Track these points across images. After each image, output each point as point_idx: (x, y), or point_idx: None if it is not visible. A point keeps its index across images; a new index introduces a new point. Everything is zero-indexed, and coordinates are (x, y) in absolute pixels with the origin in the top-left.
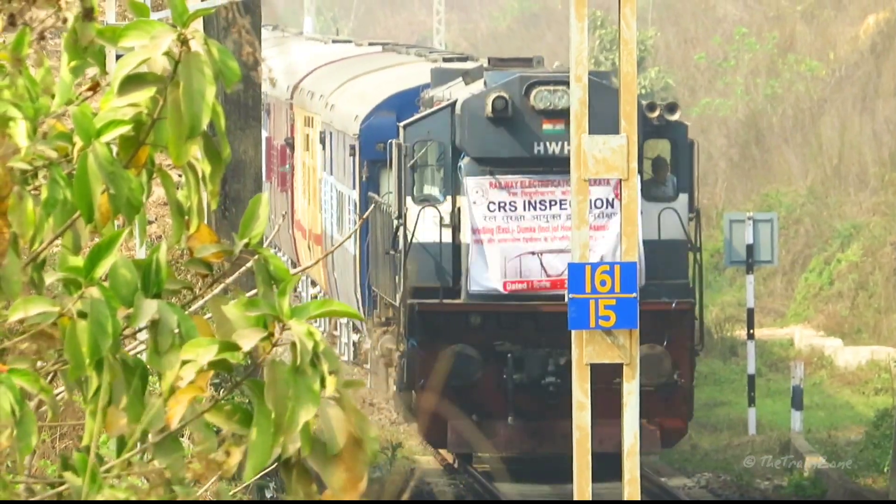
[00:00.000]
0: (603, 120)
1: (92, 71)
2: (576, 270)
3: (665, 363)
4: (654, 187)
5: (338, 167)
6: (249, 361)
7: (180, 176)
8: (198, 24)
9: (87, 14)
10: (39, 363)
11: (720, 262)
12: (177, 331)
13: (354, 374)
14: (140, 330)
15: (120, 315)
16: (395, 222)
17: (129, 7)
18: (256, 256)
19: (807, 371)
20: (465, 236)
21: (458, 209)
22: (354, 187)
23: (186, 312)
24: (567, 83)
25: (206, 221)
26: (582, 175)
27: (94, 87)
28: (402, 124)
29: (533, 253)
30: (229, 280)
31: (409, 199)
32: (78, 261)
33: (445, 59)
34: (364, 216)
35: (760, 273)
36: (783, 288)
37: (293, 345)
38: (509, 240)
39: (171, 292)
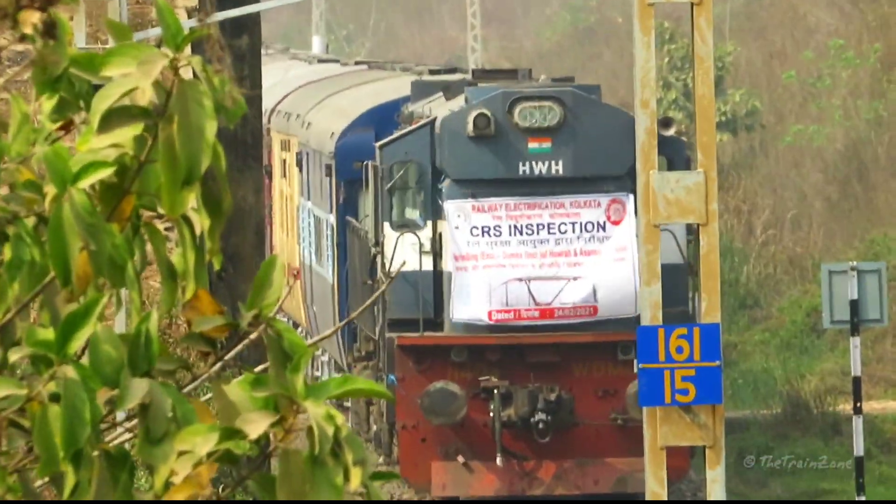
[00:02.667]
0: (591, 138)
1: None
2: (647, 335)
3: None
4: None
5: (315, 190)
6: (257, 451)
7: (168, 230)
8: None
9: (49, 31)
10: (5, 458)
11: (818, 323)
12: (171, 415)
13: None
14: (128, 418)
15: (100, 398)
16: (373, 250)
17: (107, 28)
18: (267, 330)
19: None
20: (448, 263)
21: (440, 235)
22: (331, 211)
23: (182, 392)
24: (554, 98)
25: (206, 285)
26: (652, 220)
27: (67, 126)
28: (378, 144)
29: (520, 280)
30: (230, 354)
31: (386, 224)
32: (48, 333)
33: (432, 72)
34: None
35: (868, 335)
36: None
37: (310, 430)
38: (494, 266)
39: (164, 373)
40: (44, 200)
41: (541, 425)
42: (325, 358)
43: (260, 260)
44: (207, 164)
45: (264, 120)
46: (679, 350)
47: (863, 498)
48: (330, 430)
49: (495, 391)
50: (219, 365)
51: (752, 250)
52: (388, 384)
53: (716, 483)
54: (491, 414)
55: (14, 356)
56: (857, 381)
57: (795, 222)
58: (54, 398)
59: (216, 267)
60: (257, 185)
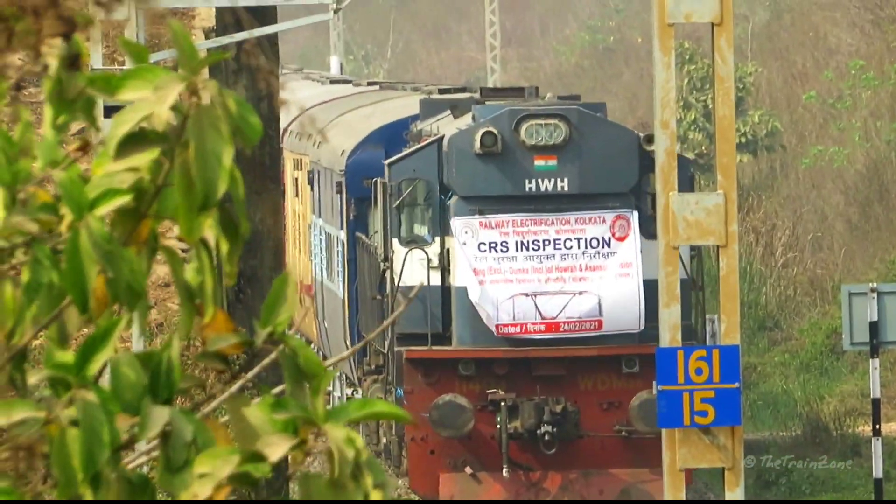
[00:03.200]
0: (596, 156)
1: (78, 125)
2: (666, 357)
3: None
4: (653, 224)
5: (326, 208)
6: (274, 474)
7: (185, 251)
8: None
9: (73, 62)
10: (24, 479)
11: (838, 344)
12: (191, 441)
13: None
14: (149, 443)
15: (123, 424)
16: (382, 265)
17: (123, 49)
18: (282, 347)
19: None
20: (455, 279)
21: (448, 250)
22: (342, 227)
23: (199, 415)
24: (560, 116)
25: (222, 307)
26: (671, 241)
27: (84, 147)
28: (386, 162)
29: (526, 294)
30: (249, 375)
31: (395, 240)
32: (67, 356)
33: (441, 91)
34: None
35: (887, 356)
36: None
37: (330, 454)
38: (501, 281)
39: (179, 392)
40: (60, 222)
41: (547, 437)
42: (337, 373)
43: None
44: (224, 189)
45: None
46: (698, 372)
47: None
48: (350, 454)
49: (502, 404)
50: (238, 385)
51: (772, 272)
52: (396, 397)
53: None
54: (498, 426)
55: (32, 378)
56: (876, 403)
57: (816, 244)
58: (73, 422)
59: (231, 284)
60: (275, 206)
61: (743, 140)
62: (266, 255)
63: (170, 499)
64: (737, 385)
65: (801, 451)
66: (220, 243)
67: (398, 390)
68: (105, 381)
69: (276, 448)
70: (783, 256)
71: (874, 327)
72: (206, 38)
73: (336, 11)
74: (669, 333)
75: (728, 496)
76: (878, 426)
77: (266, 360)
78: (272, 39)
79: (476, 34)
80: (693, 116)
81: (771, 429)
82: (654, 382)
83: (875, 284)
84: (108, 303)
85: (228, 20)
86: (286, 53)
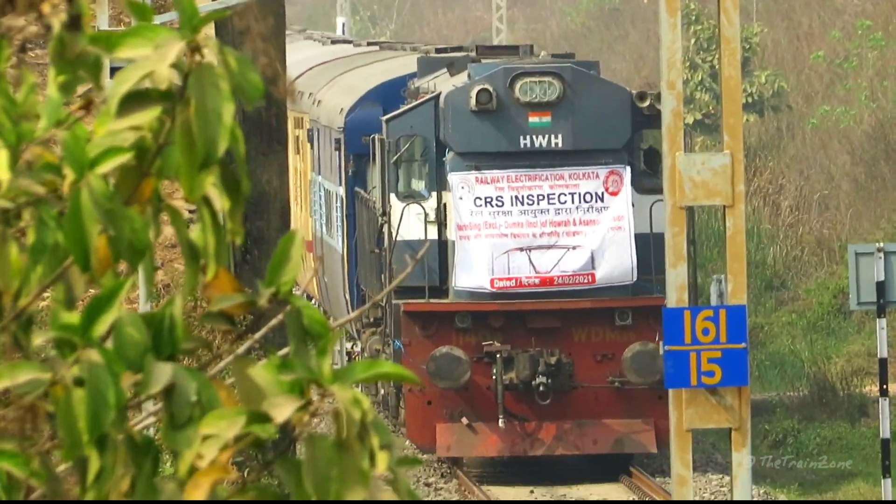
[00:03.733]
0: (589, 113)
1: (86, 86)
2: (672, 317)
3: (658, 360)
4: (646, 179)
5: (325, 165)
6: (281, 435)
7: (192, 212)
8: (209, 30)
9: (74, 22)
10: (30, 441)
11: (845, 304)
12: (195, 400)
13: None
14: (146, 399)
15: (125, 382)
16: (380, 220)
17: (127, 9)
18: (288, 307)
19: None
20: (452, 233)
21: (444, 205)
22: (341, 183)
23: (199, 373)
24: (553, 73)
25: (228, 267)
26: (678, 202)
27: (87, 106)
28: (384, 119)
29: (521, 249)
30: (256, 336)
31: (392, 195)
32: (72, 317)
33: (438, 50)
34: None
35: (895, 316)
36: None
37: (336, 415)
38: (496, 235)
39: (184, 351)
40: (63, 182)
41: (541, 388)
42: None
43: None
44: (225, 146)
45: None
46: (705, 332)
47: (888, 480)
48: (357, 415)
49: (498, 356)
50: (244, 347)
51: (779, 232)
52: (394, 349)
53: (742, 466)
54: (493, 377)
55: (38, 340)
56: (883, 363)
57: (822, 204)
58: (78, 382)
59: (238, 242)
60: (282, 168)
61: (749, 100)
62: (273, 217)
63: (173, 458)
64: (744, 345)
65: (808, 412)
66: (222, 201)
67: (396, 342)
68: (110, 344)
69: (282, 409)
70: (790, 216)
71: (881, 287)
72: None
73: None
74: (676, 294)
75: (735, 457)
76: (885, 386)
77: (273, 322)
78: (279, 0)
79: None
80: (699, 77)
81: (778, 389)
82: (661, 342)
83: (882, 244)
84: (111, 262)
85: None
86: (293, 15)
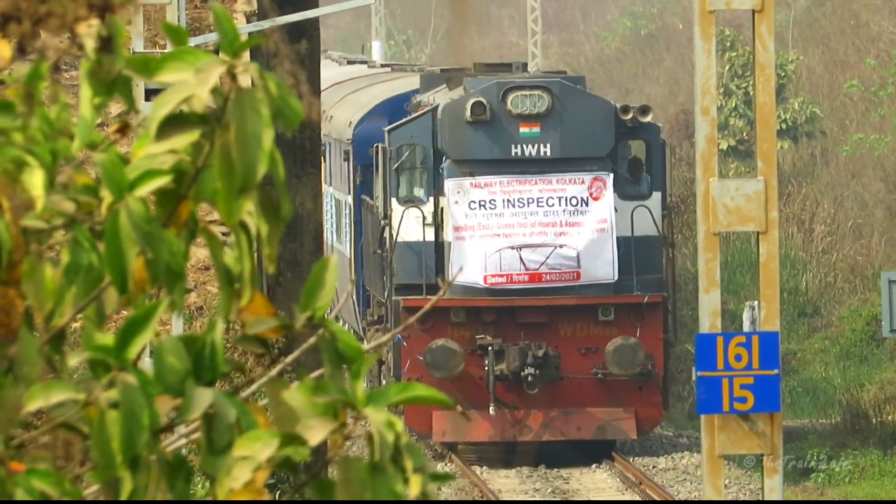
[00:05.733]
0: (576, 123)
1: (117, 107)
2: (705, 343)
3: (639, 353)
4: (628, 186)
5: (336, 176)
6: (313, 458)
7: (226, 235)
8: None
9: (106, 44)
10: (62, 461)
11: (878, 332)
12: (234, 424)
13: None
14: (179, 422)
15: (164, 406)
16: (382, 222)
17: (164, 32)
18: (322, 331)
19: None
20: (448, 234)
21: (441, 209)
22: (349, 192)
23: (238, 399)
24: (543, 87)
25: (261, 290)
26: (711, 228)
27: (123, 129)
28: (386, 129)
29: (512, 247)
30: (289, 359)
31: (394, 199)
32: (107, 338)
33: (443, 70)
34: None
35: None
36: None
37: (370, 437)
38: (489, 236)
39: (220, 375)
40: (100, 205)
41: (530, 378)
42: (346, 327)
43: None
44: (264, 171)
45: None
46: (738, 358)
47: None
48: (390, 438)
49: (490, 348)
50: (277, 369)
51: (812, 258)
52: (394, 342)
53: (774, 492)
54: (486, 368)
55: (73, 361)
56: None
57: (856, 231)
58: (112, 404)
59: (270, 272)
60: (315, 190)
61: (783, 127)
62: (306, 239)
63: (209, 481)
64: (776, 372)
65: (841, 439)
66: (259, 226)
67: (396, 336)
68: (144, 364)
69: (316, 431)
70: (823, 243)
71: None
72: (248, 21)
73: None
74: (709, 319)
75: (767, 483)
76: None
77: (305, 345)
78: (313, 24)
79: (518, 20)
80: (734, 103)
81: (810, 416)
82: (694, 369)
83: None
84: (147, 284)
85: (268, 4)
86: (328, 38)
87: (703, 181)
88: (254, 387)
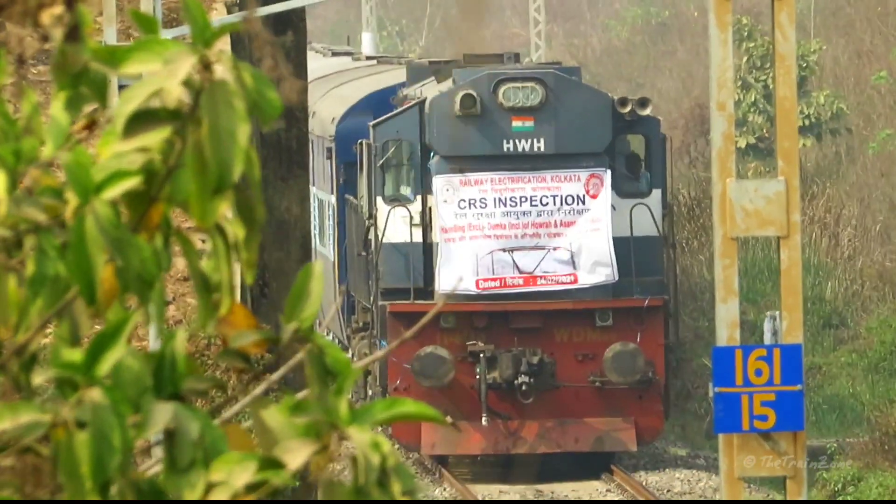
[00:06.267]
0: (571, 117)
1: (90, 106)
2: (722, 357)
3: (638, 360)
4: (626, 183)
5: (319, 175)
6: (297, 481)
7: (204, 241)
8: (224, 45)
9: (72, 33)
10: (30, 487)
11: None
12: (198, 441)
13: None
14: (157, 443)
15: (131, 423)
16: (367, 223)
17: (134, 21)
18: (309, 346)
19: None
20: (437, 235)
21: (429, 208)
22: (332, 192)
23: (219, 419)
24: (536, 79)
25: (240, 300)
26: (728, 233)
27: (91, 126)
28: (371, 124)
29: (504, 250)
30: (275, 376)
31: (379, 198)
32: (75, 354)
33: (431, 63)
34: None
35: None
36: None
37: (354, 459)
38: (480, 237)
39: (195, 392)
40: (66, 208)
41: (524, 387)
42: (331, 336)
43: None
44: (240, 170)
45: None
46: (758, 373)
47: None
48: (376, 459)
49: (481, 355)
50: (262, 387)
51: (838, 265)
52: (379, 349)
53: None
54: (477, 377)
55: (38, 379)
56: None
57: (884, 234)
58: (81, 425)
59: (248, 281)
60: (303, 194)
61: (806, 123)
62: (293, 247)
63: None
64: (799, 387)
65: (870, 459)
66: (236, 230)
67: (382, 342)
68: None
69: (297, 454)
70: (849, 248)
71: None
72: (229, 12)
73: None
74: (727, 331)
75: None
76: None
77: (292, 361)
78: (299, 14)
79: (519, 9)
80: (752, 97)
81: (836, 434)
82: (711, 384)
83: None
84: (118, 294)
85: None
86: (315, 29)
87: (719, 182)
88: (237, 406)
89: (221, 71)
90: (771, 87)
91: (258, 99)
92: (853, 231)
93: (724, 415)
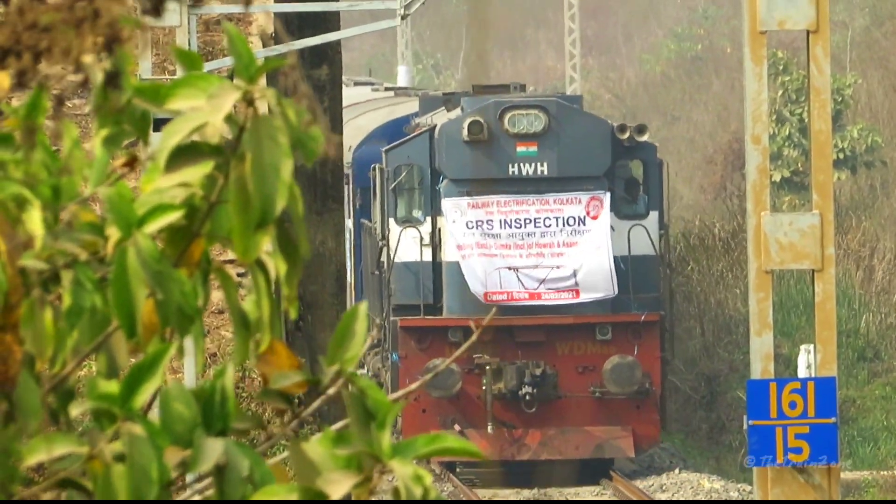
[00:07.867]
0: (573, 143)
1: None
2: (757, 390)
3: (636, 372)
4: (625, 205)
5: None
6: None
7: (241, 276)
8: (262, 80)
9: (112, 79)
10: None
11: None
12: (247, 477)
13: None
14: (198, 479)
15: (171, 458)
16: (380, 243)
17: (175, 57)
18: (350, 388)
19: None
20: (445, 254)
21: (439, 229)
22: (349, 216)
23: (251, 449)
24: (539, 107)
25: (281, 336)
26: (763, 266)
27: (132, 162)
28: (384, 149)
29: (510, 268)
30: (308, 410)
31: (391, 220)
32: (111, 386)
33: (444, 94)
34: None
35: None
36: None
37: (396, 491)
38: (487, 255)
39: (237, 432)
40: (105, 244)
41: (527, 397)
42: None
43: (340, 309)
44: (283, 205)
45: None
46: (792, 405)
47: None
48: (418, 492)
49: (487, 367)
50: (296, 422)
51: (872, 298)
52: (392, 362)
53: None
54: (483, 387)
55: (75, 411)
56: None
57: None
58: (118, 457)
59: (292, 316)
60: (338, 228)
61: (841, 156)
62: (328, 280)
63: None
64: (834, 420)
65: None
66: (278, 265)
67: (394, 355)
68: (153, 415)
69: (338, 486)
70: (884, 281)
71: None
72: (264, 45)
73: (404, 17)
74: (761, 364)
75: None
76: None
77: (325, 395)
78: (335, 48)
79: (555, 42)
80: (787, 131)
81: (871, 468)
82: (745, 417)
83: None
84: (158, 328)
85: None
86: (351, 62)
87: (754, 215)
88: (271, 441)
89: (265, 107)
90: (806, 120)
91: (301, 135)
92: (888, 264)
93: (759, 447)
